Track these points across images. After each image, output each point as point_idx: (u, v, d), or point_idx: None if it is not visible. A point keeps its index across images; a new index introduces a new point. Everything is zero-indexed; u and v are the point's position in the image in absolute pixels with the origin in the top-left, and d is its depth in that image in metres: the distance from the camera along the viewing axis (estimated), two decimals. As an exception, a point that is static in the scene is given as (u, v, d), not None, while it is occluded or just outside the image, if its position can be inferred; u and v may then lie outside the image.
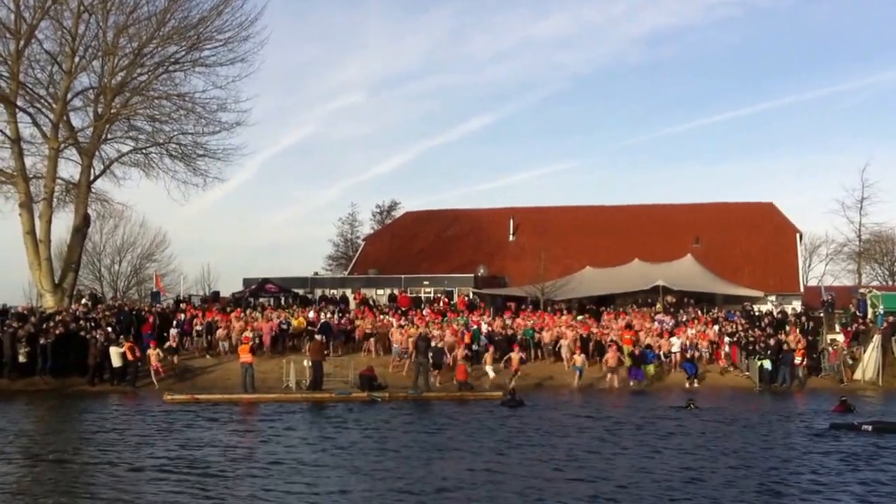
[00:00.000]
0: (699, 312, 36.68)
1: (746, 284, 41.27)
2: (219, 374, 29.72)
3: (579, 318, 35.72)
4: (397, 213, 64.32)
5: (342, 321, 33.83)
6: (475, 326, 32.90)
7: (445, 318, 34.49)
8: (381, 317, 34.77)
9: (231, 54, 36.61)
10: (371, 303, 38.57)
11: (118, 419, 21.32)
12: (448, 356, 29.55)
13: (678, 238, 45.50)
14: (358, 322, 33.81)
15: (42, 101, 35.55)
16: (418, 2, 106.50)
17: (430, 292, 41.84)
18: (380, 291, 41.75)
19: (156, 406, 23.85)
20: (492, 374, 28.81)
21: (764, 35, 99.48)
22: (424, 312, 35.94)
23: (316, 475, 14.04)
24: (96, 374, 28.49)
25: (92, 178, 36.80)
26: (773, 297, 40.70)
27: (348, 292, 41.07)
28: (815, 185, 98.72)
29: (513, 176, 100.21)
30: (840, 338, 33.55)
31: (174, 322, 32.21)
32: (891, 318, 33.09)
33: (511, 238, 49.19)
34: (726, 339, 32.88)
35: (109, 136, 37.39)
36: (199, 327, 32.01)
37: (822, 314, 36.66)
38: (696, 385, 30.21)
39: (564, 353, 31.58)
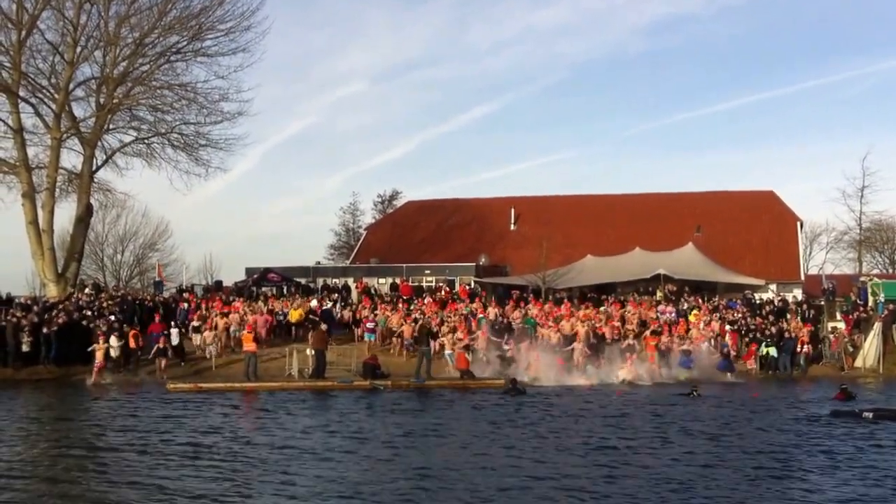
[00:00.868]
0: (700, 301, 36.78)
1: (747, 273, 41.27)
2: (220, 363, 29.81)
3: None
4: (399, 203, 64.23)
5: (343, 313, 33.92)
6: (481, 315, 32.79)
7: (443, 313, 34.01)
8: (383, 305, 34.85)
9: (233, 44, 36.59)
10: (373, 292, 38.68)
11: (125, 407, 21.46)
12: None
13: (679, 227, 45.49)
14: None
15: (44, 91, 35.57)
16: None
17: (431, 281, 41.99)
18: (381, 280, 41.88)
19: (159, 395, 24.00)
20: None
21: (765, 24, 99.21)
22: (426, 301, 36.04)
23: (337, 461, 14.33)
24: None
25: (94, 168, 36.87)
26: (773, 286, 40.80)
27: (350, 281, 41.20)
28: (816, 173, 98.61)
29: (514, 165, 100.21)
30: (841, 325, 33.73)
31: (177, 311, 32.24)
32: (891, 306, 33.30)
33: (512, 227, 49.22)
34: (727, 327, 32.98)
35: (111, 126, 37.44)
36: (195, 323, 31.42)
37: (822, 302, 36.81)
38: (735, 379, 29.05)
39: (577, 357, 29.49)
